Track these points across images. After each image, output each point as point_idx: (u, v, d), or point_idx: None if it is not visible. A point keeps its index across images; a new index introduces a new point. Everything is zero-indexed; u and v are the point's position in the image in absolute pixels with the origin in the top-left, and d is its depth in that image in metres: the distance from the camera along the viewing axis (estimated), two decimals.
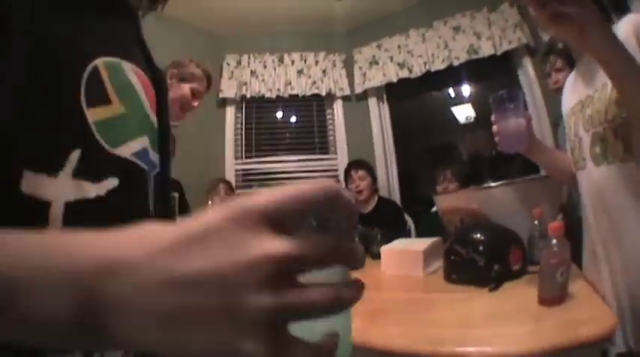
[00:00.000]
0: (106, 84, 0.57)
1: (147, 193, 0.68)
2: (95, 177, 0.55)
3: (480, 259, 1.80)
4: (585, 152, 1.59)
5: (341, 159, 4.94)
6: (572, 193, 2.29)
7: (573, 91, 1.73)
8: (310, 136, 5.22)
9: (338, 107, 5.16)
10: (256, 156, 5.12)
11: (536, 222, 1.96)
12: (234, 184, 4.56)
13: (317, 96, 5.06)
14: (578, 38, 1.21)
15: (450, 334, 1.35)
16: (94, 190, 0.54)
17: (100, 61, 0.57)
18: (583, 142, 1.60)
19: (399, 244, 2.49)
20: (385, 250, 2.37)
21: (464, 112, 5.43)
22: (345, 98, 5.12)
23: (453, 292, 1.82)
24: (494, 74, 4.84)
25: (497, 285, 1.73)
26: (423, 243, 2.30)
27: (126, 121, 0.61)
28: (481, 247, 1.84)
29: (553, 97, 3.22)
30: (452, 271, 1.94)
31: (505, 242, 1.87)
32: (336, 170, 4.97)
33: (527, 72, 4.38)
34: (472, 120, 5.35)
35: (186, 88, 2.55)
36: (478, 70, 4.65)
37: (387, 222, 3.58)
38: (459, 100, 5.39)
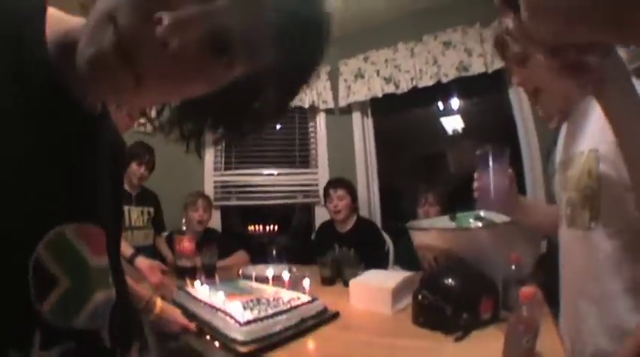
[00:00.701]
0: (50, 265, 0.58)
1: (101, 342, 0.69)
2: (53, 345, 0.58)
3: (447, 308, 1.71)
4: (562, 211, 1.55)
5: (321, 173, 4.85)
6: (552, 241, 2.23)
7: (563, 145, 1.68)
8: (291, 149, 5.10)
9: (321, 120, 5.05)
10: (236, 168, 5.01)
11: (512, 267, 1.88)
12: (212, 196, 4.47)
13: (300, 108, 4.92)
14: (593, 92, 1.09)
15: None
16: (55, 353, 0.58)
17: (40, 247, 0.57)
18: (562, 202, 1.56)
19: (369, 277, 2.38)
20: (353, 283, 2.28)
21: (452, 124, 5.36)
22: (328, 111, 5.01)
23: (418, 339, 1.73)
24: (484, 92, 4.77)
25: (463, 335, 1.65)
26: (394, 278, 2.20)
27: (74, 293, 0.62)
28: (450, 295, 1.75)
29: (545, 122, 3.11)
30: (419, 314, 1.85)
31: (476, 291, 1.79)
32: (316, 185, 4.87)
33: (519, 92, 4.23)
34: (460, 132, 5.29)
35: None
36: (468, 86, 4.55)
37: (364, 243, 3.50)
38: (447, 112, 5.32)
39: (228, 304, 1.90)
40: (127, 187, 3.60)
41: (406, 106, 5.02)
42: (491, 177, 1.68)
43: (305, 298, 2.03)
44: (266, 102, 0.71)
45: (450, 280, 1.83)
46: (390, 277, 2.27)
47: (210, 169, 4.91)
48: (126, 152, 0.90)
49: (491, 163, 1.69)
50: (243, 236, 4.88)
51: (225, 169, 4.97)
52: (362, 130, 4.93)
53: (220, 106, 0.72)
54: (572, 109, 1.61)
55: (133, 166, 3.57)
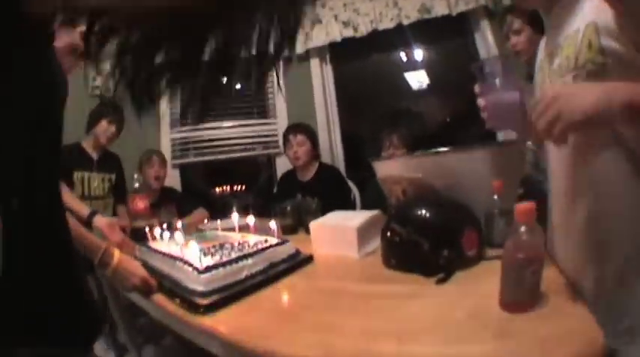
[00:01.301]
0: None
1: None
2: None
3: (424, 242, 1.36)
4: None
5: (281, 124, 4.42)
6: (538, 163, 1.92)
7: (545, 45, 1.41)
8: (248, 99, 4.66)
9: (277, 68, 4.56)
10: (192, 123, 4.52)
11: (495, 197, 1.56)
12: (169, 154, 4.08)
13: None
14: None
15: (381, 351, 0.95)
16: None
17: None
18: None
19: (331, 218, 2.05)
20: (315, 225, 1.95)
21: (416, 78, 5.05)
22: (285, 59, 4.51)
23: (392, 284, 1.38)
24: (448, 37, 4.48)
25: (446, 275, 1.30)
26: (359, 217, 1.86)
27: None
28: (426, 228, 1.40)
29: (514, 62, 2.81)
30: (391, 254, 1.50)
31: (457, 222, 1.44)
32: (276, 135, 4.48)
33: (485, 36, 3.99)
34: (425, 86, 4.98)
35: (76, 33, 2.06)
36: (430, 31, 4.24)
37: (328, 191, 3.18)
38: (411, 64, 4.98)
39: (185, 251, 1.56)
40: (89, 149, 3.24)
41: (367, 53, 4.71)
42: (499, 90, 1.35)
43: (273, 240, 1.71)
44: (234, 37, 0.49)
45: (423, 211, 1.47)
46: (355, 217, 1.93)
47: (167, 126, 4.51)
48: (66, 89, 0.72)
49: (495, 73, 1.35)
50: (204, 195, 4.55)
51: (182, 124, 4.55)
52: (321, 77, 4.55)
53: (170, 34, 0.48)
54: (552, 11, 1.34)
55: (103, 123, 3.19)
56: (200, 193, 4.63)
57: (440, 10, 3.89)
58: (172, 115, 4.52)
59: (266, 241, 1.71)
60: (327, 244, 1.86)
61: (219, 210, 3.55)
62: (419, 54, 4.87)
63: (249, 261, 1.48)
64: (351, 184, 3.71)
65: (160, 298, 1.48)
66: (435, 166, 1.74)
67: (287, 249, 1.68)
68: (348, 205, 3.43)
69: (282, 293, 1.44)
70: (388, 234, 1.49)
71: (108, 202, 3.32)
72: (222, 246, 1.67)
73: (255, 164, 5.02)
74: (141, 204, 2.75)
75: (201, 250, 1.54)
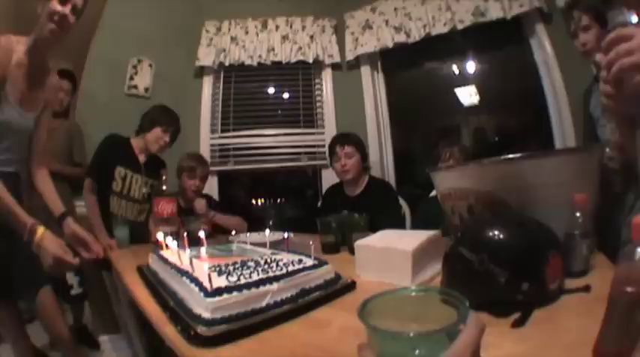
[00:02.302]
0: None
1: None
2: None
3: (501, 273, 1.04)
4: None
5: (328, 134, 4.20)
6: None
7: None
8: (295, 108, 4.51)
9: (327, 76, 4.44)
10: (234, 130, 4.44)
11: (578, 214, 1.26)
12: (208, 160, 3.88)
13: (303, 63, 4.35)
14: None
15: None
16: None
17: None
18: None
19: (380, 238, 1.73)
20: (361, 245, 1.63)
21: (467, 94, 4.79)
22: (334, 66, 4.42)
23: None
24: (502, 44, 4.21)
25: (524, 316, 0.99)
26: (414, 239, 1.54)
27: None
28: (504, 254, 1.08)
29: (576, 67, 2.52)
30: (454, 287, 1.18)
31: (540, 246, 1.11)
32: (323, 146, 4.25)
33: (542, 42, 3.67)
34: (477, 102, 4.71)
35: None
36: (484, 38, 4.04)
37: (378, 207, 2.88)
38: (463, 78, 4.71)
39: (196, 266, 1.28)
40: (137, 150, 3.11)
41: (420, 61, 4.54)
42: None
43: (309, 261, 1.39)
44: None
45: (498, 232, 1.14)
46: (409, 237, 1.61)
47: (207, 132, 4.38)
48: None
49: None
50: (242, 205, 4.37)
51: (223, 131, 4.42)
52: (372, 85, 4.34)
53: None
54: None
55: (157, 130, 3.06)
56: (239, 204, 4.45)
57: (494, 13, 3.63)
58: (213, 122, 4.41)
59: (300, 261, 1.40)
60: (373, 268, 1.56)
61: (257, 222, 3.33)
62: (471, 66, 4.63)
63: (275, 285, 1.17)
64: (401, 200, 3.42)
65: (159, 318, 1.21)
66: (508, 175, 1.44)
67: (324, 272, 1.36)
68: (399, 223, 3.13)
69: (312, 330, 1.11)
70: (453, 261, 1.19)
71: (144, 208, 3.15)
72: (244, 264, 1.37)
73: (300, 176, 4.82)
74: (167, 208, 2.51)
75: (215, 267, 1.28)
